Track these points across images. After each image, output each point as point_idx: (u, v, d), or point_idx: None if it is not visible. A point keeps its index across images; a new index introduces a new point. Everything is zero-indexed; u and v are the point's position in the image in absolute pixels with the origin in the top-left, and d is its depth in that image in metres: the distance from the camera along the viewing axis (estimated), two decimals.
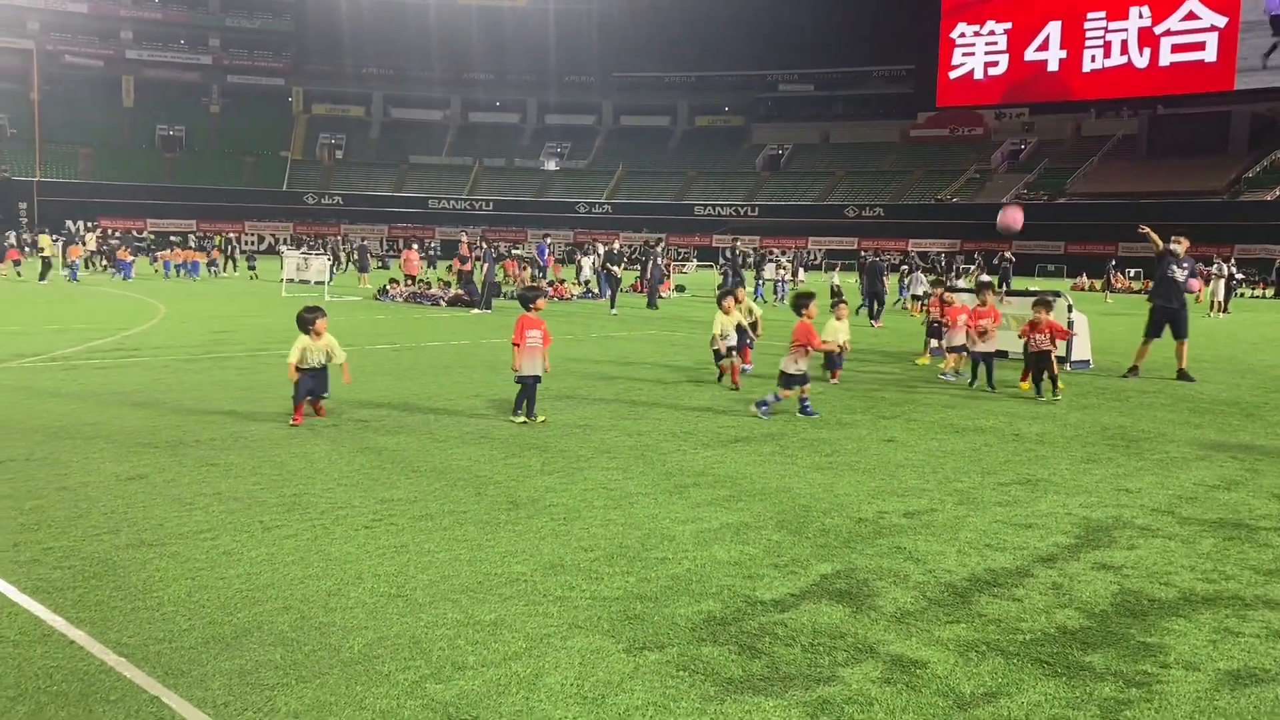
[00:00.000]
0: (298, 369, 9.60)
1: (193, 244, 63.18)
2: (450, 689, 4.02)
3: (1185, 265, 14.90)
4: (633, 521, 6.48)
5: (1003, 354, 14.89)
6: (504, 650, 4.41)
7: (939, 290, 17.06)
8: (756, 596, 5.17)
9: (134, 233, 65.96)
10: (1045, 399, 12.21)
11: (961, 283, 29.71)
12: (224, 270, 47.50)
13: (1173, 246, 14.86)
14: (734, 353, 12.88)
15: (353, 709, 3.84)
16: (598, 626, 4.71)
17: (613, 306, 27.55)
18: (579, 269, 39.73)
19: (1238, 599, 5.30)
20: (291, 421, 9.40)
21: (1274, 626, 4.91)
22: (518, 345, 9.96)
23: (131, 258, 43.17)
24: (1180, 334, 14.66)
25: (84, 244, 46.74)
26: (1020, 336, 12.75)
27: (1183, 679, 4.29)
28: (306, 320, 9.84)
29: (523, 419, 9.82)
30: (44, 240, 37.55)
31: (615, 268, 29.15)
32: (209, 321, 20.91)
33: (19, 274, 39.34)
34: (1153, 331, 14.84)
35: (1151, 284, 15.46)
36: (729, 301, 12.97)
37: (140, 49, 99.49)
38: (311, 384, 9.70)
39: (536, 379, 10.01)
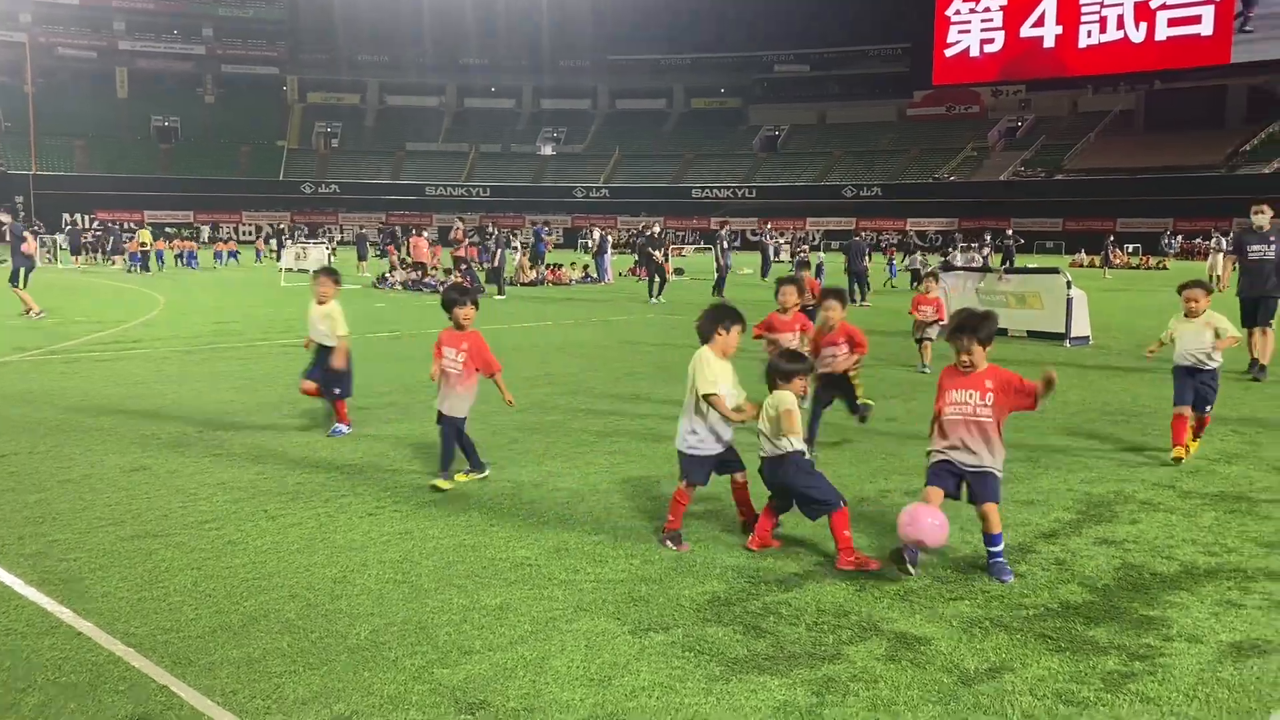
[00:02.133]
0: None
1: (205, 236, 63.74)
2: (457, 673, 4.05)
3: (1272, 240, 12.46)
4: (637, 504, 6.50)
5: (1002, 332, 14.87)
6: (510, 634, 4.43)
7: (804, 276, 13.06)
8: (760, 576, 5.19)
9: (120, 225, 65.87)
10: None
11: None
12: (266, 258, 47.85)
13: (1253, 219, 12.76)
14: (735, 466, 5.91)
15: (360, 694, 3.86)
16: (603, 609, 4.73)
17: (657, 295, 25.58)
18: (599, 250, 36.87)
19: (1239, 571, 5.32)
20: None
21: (1275, 598, 4.93)
22: (436, 362, 7.20)
23: (167, 247, 44.35)
24: (1262, 320, 12.42)
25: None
26: (811, 352, 8.00)
27: (1185, 651, 4.31)
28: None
29: (443, 482, 6.82)
30: (144, 235, 40.99)
31: (656, 252, 27.04)
32: (209, 313, 20.90)
33: None
34: (1248, 321, 12.42)
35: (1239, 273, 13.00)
36: (734, 332, 5.74)
37: (133, 39, 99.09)
38: None
39: (454, 420, 6.96)
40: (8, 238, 20.06)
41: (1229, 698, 3.89)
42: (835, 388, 8.23)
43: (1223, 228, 41.39)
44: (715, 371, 5.60)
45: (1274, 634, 4.49)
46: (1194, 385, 7.96)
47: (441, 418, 7.00)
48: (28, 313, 18.69)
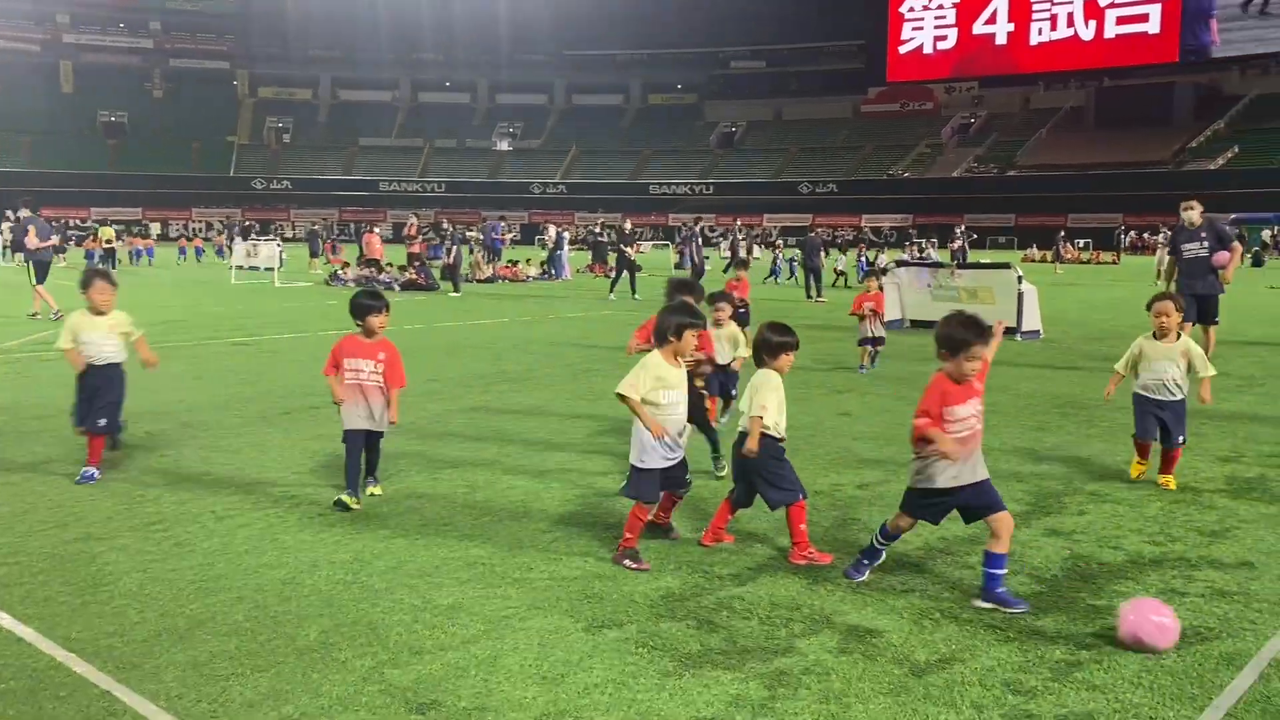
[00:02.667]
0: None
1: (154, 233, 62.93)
2: (408, 674, 4.01)
3: (1204, 236, 12.35)
4: (591, 503, 6.49)
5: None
6: (462, 634, 4.40)
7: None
8: (714, 572, 5.20)
9: (66, 222, 64.57)
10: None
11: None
12: (230, 255, 47.06)
13: (1183, 216, 12.50)
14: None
15: (309, 696, 3.81)
16: (557, 606, 4.71)
17: (633, 291, 24.76)
18: (555, 245, 36.30)
19: (1183, 560, 5.41)
20: None
21: (1218, 586, 5.02)
22: (331, 377, 6.38)
23: (119, 244, 43.77)
24: (1204, 319, 12.35)
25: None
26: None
27: None
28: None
29: (350, 499, 6.23)
30: (107, 231, 40.97)
31: (629, 249, 26.10)
32: (156, 311, 20.54)
33: None
34: (1188, 315, 11.23)
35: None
36: (687, 338, 5.40)
37: (78, 33, 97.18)
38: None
39: (367, 435, 6.41)
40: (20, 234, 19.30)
41: (1173, 684, 3.95)
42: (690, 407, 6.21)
43: (1170, 223, 42.25)
44: (651, 377, 5.31)
45: (1216, 622, 4.58)
46: (1157, 416, 6.99)
47: (367, 435, 6.38)
48: (55, 314, 17.80)
